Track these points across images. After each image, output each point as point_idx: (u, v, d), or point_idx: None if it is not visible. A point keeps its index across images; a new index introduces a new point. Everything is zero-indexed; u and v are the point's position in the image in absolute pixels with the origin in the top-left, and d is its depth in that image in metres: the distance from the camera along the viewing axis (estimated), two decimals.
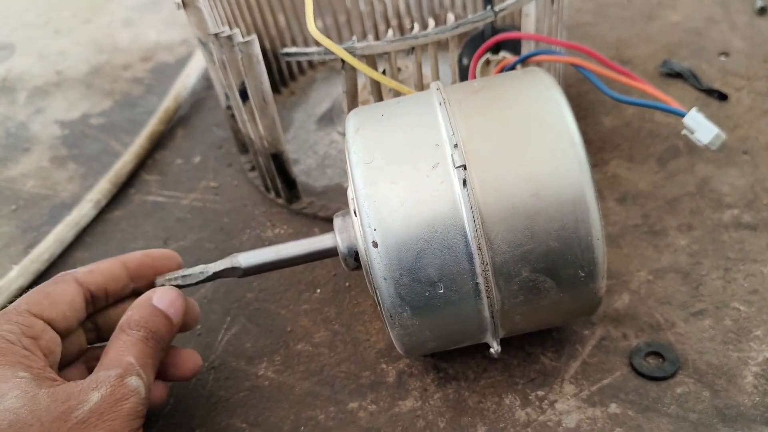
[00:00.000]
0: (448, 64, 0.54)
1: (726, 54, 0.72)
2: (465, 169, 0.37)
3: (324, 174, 0.66)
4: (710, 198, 0.57)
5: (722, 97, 0.66)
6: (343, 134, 0.70)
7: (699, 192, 0.58)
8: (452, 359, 0.48)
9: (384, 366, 0.49)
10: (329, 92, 0.77)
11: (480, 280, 0.37)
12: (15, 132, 0.80)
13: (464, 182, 0.36)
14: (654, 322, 0.48)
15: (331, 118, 0.72)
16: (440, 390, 0.47)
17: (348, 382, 0.48)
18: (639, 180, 0.60)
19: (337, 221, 0.45)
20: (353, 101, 0.53)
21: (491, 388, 0.46)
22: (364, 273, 0.43)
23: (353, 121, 0.42)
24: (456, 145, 0.37)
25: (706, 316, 0.48)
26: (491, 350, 0.42)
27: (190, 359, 0.46)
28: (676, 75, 0.69)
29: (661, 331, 0.48)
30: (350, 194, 0.43)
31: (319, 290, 0.55)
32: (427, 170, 0.38)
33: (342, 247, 0.44)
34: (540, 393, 0.45)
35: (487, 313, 0.39)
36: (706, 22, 0.77)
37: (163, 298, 0.44)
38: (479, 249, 0.37)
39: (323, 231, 0.60)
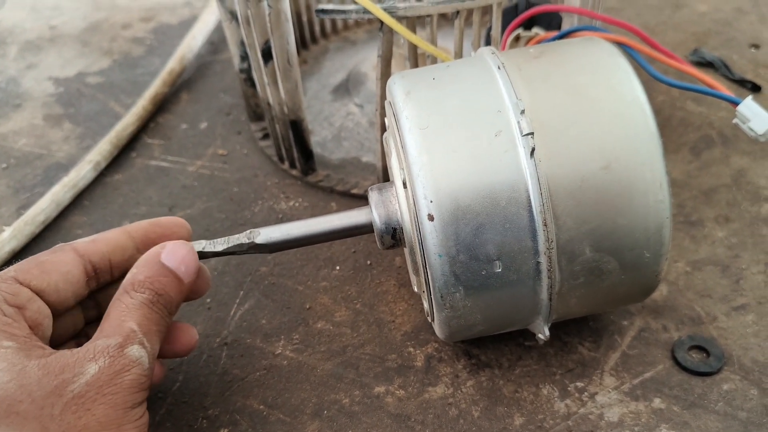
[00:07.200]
0: (468, 41, 0.52)
1: (756, 46, 0.70)
2: (533, 137, 0.34)
3: (340, 146, 0.63)
4: (747, 190, 0.55)
5: (755, 88, 0.64)
6: (361, 106, 0.67)
7: (735, 184, 0.56)
8: (484, 345, 0.45)
9: (411, 350, 0.46)
10: (343, 63, 0.73)
11: (542, 259, 0.35)
12: (5, 87, 0.75)
13: (532, 151, 0.34)
14: (695, 315, 0.46)
15: (347, 89, 0.68)
16: (473, 377, 0.44)
17: (373, 365, 0.45)
18: (672, 169, 0.57)
19: (374, 195, 0.41)
20: (387, 68, 0.50)
21: (527, 377, 0.43)
22: (407, 251, 0.40)
23: (401, 84, 0.38)
24: (523, 112, 0.34)
25: (748, 311, 0.46)
26: (539, 336, 0.40)
27: (185, 333, 0.42)
28: (707, 64, 0.67)
29: (703, 325, 0.46)
30: (394, 164, 0.40)
31: (338, 267, 0.52)
32: (488, 138, 0.35)
33: (379, 222, 0.40)
34: (579, 384, 0.43)
35: (544, 296, 0.36)
36: (734, 13, 0.75)
37: (173, 254, 0.39)
38: (545, 225, 0.34)
39: (340, 205, 0.58)
